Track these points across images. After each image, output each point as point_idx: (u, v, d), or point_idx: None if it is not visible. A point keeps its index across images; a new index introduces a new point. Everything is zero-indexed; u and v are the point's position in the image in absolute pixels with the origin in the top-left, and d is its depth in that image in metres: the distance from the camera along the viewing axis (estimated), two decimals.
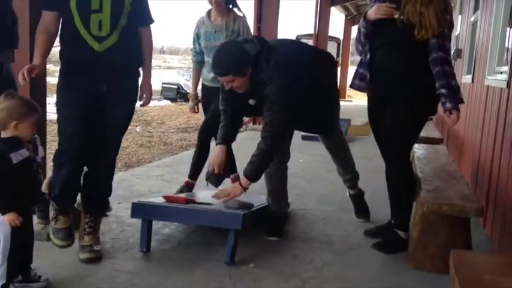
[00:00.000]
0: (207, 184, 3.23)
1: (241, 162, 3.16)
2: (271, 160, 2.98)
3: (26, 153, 2.20)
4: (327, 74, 3.30)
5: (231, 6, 3.82)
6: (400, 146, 2.92)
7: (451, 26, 2.83)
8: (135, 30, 2.76)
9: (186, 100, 11.18)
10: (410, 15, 2.74)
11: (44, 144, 3.05)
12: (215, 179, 3.15)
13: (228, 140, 3.17)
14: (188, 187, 3.88)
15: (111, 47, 2.63)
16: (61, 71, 2.72)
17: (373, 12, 2.86)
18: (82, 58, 2.64)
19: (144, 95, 2.88)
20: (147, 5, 2.85)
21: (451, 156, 4.51)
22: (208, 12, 3.87)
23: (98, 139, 2.71)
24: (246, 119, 7.41)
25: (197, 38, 3.90)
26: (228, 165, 3.16)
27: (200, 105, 4.04)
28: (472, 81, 4.90)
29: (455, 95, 2.78)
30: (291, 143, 3.39)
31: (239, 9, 3.83)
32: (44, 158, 2.91)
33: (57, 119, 2.72)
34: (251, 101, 3.06)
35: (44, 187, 2.72)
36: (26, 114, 2.20)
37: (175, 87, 17.03)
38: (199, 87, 4.08)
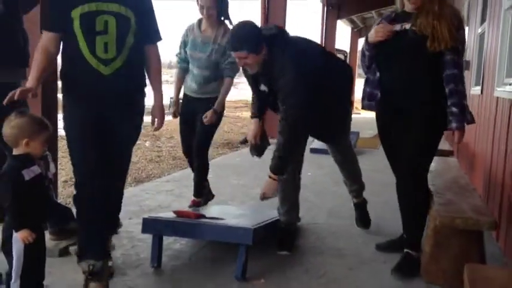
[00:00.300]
0: (252, 156, 3.37)
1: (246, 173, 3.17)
2: (291, 152, 3.02)
3: (38, 169, 2.21)
4: (338, 77, 3.28)
5: (222, 19, 3.72)
6: (413, 160, 2.88)
7: (463, 42, 2.83)
8: (142, 49, 2.64)
9: None
10: (422, 27, 2.75)
11: (55, 161, 3.08)
12: (256, 150, 3.33)
13: (260, 114, 3.39)
14: (195, 206, 3.87)
15: (118, 69, 2.50)
16: (64, 92, 2.60)
17: (373, 35, 2.89)
18: (87, 81, 2.51)
19: (156, 120, 2.77)
20: (155, 22, 2.69)
21: (462, 169, 4.48)
22: (199, 22, 3.77)
23: (106, 158, 2.56)
24: None
25: (184, 45, 3.81)
26: (265, 135, 3.36)
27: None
28: (481, 92, 4.88)
29: (464, 116, 2.77)
30: (305, 149, 3.38)
31: (231, 23, 3.69)
32: (55, 174, 2.93)
33: (66, 141, 2.60)
34: (263, 87, 3.11)
35: (73, 251, 2.76)
36: (37, 132, 2.21)
37: None
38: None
